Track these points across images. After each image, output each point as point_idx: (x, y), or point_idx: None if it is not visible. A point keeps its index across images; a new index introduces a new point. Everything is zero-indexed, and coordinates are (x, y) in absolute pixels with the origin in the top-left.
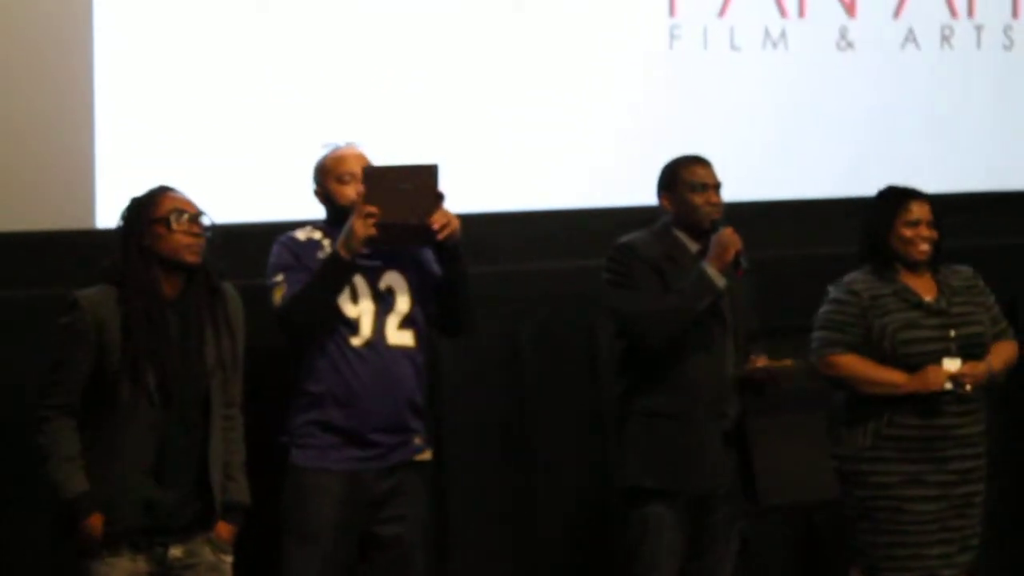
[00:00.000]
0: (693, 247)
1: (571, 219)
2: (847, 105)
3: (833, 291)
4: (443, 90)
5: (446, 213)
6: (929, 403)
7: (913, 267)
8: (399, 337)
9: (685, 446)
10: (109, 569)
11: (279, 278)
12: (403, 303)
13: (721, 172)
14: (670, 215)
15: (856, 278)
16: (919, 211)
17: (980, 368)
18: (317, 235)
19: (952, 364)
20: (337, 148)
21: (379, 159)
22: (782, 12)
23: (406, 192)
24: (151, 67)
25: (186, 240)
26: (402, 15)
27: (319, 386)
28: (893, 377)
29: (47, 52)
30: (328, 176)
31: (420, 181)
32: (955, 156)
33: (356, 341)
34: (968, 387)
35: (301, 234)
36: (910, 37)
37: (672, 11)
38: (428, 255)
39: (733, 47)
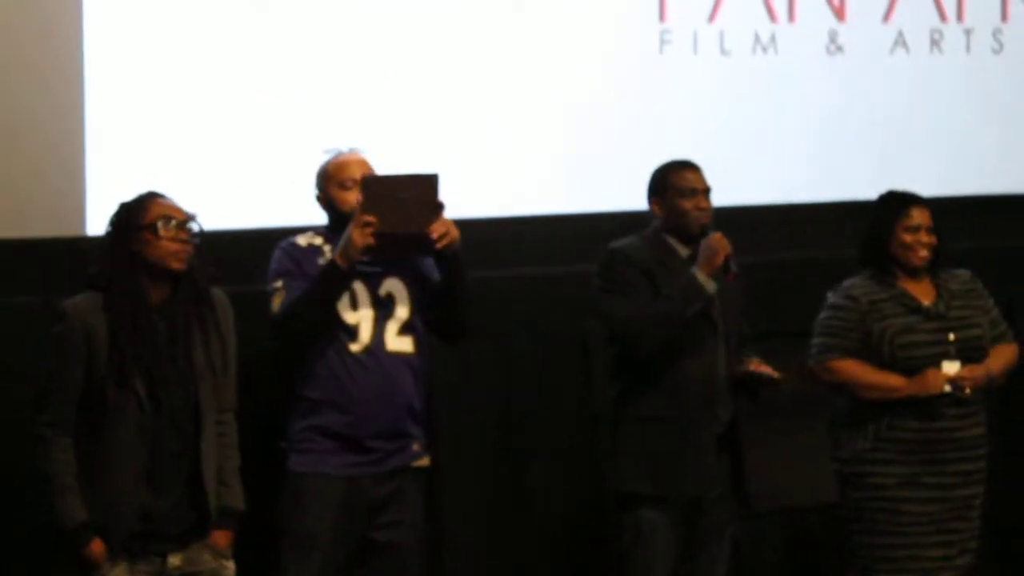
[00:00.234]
0: (683, 252)
1: (562, 224)
2: (837, 109)
3: (832, 297)
4: (434, 94)
5: (445, 222)
6: (928, 406)
7: (912, 272)
8: (398, 343)
9: (678, 450)
10: None
11: (278, 284)
12: (403, 310)
13: (711, 177)
14: (660, 220)
15: (855, 283)
16: (919, 216)
17: (979, 371)
18: (318, 241)
19: (951, 367)
20: (340, 154)
21: (379, 163)
22: (772, 16)
23: (405, 201)
24: (142, 73)
25: (173, 247)
26: (398, 18)
27: (318, 392)
28: (892, 381)
29: (37, 58)
30: (330, 182)
31: (420, 190)
32: (946, 160)
33: (355, 347)
34: (967, 390)
35: (302, 240)
36: (900, 41)
37: (662, 16)
38: (428, 262)
39: (723, 52)
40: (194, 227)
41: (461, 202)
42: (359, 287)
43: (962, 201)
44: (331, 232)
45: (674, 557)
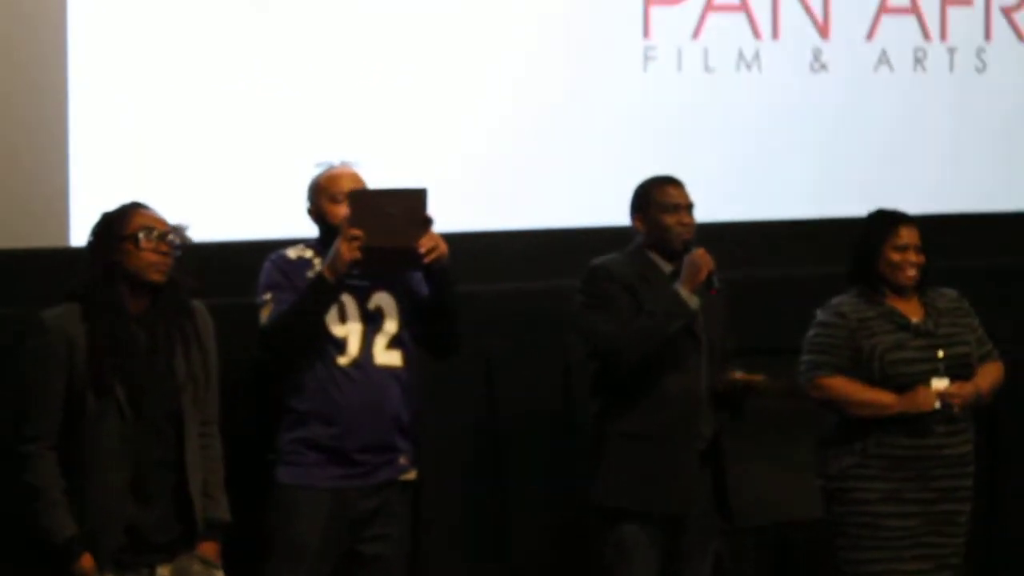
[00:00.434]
0: (667, 268)
1: (545, 239)
2: (821, 126)
3: (820, 314)
4: (422, 109)
5: (433, 237)
6: (918, 423)
7: (900, 291)
8: (387, 357)
9: (659, 467)
10: None
11: (267, 296)
12: (391, 323)
13: (695, 193)
14: (643, 236)
15: (843, 301)
16: (908, 236)
17: (968, 388)
18: (308, 254)
19: (940, 383)
20: (331, 167)
21: (369, 177)
22: (756, 34)
23: (393, 216)
24: (127, 83)
25: (153, 258)
26: (386, 33)
27: (305, 404)
28: (882, 398)
29: (20, 68)
30: (321, 195)
31: (408, 205)
32: (928, 178)
33: (343, 360)
34: (957, 407)
35: (292, 252)
36: (883, 59)
37: (646, 33)
38: (417, 276)
39: (707, 69)
40: (175, 239)
41: (446, 216)
42: (348, 300)
43: (945, 219)
44: (321, 245)
45: (656, 572)
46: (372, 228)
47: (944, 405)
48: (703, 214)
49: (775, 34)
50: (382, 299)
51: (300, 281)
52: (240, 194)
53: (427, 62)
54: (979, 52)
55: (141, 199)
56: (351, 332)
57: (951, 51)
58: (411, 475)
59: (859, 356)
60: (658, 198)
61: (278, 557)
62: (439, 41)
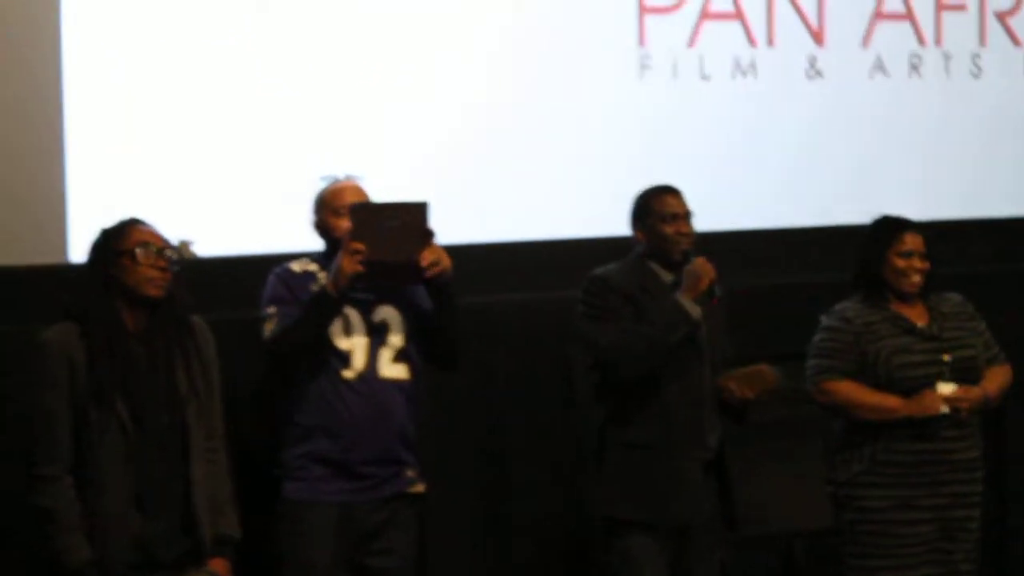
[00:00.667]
0: (667, 278)
1: (544, 250)
2: (817, 133)
3: (825, 319)
4: (421, 122)
5: (435, 250)
6: (924, 427)
7: (905, 296)
8: (392, 370)
9: (663, 477)
10: None
11: (271, 310)
12: (397, 337)
13: (692, 201)
14: (643, 246)
15: (848, 306)
16: (912, 242)
17: (975, 392)
18: (313, 267)
19: (946, 388)
20: (335, 180)
21: (374, 190)
22: (751, 41)
23: (394, 229)
24: (125, 99)
25: (150, 273)
26: (389, 49)
27: (311, 418)
28: (888, 402)
29: (16, 83)
30: (325, 208)
31: (409, 218)
32: (925, 184)
33: (348, 374)
34: (964, 411)
35: (296, 266)
36: (879, 65)
37: (641, 41)
38: (421, 289)
39: (703, 76)
40: (172, 254)
41: (444, 228)
42: (353, 313)
43: (942, 225)
44: (326, 259)
45: None
46: (373, 242)
47: (951, 409)
48: (701, 222)
49: (770, 41)
50: (387, 312)
51: (304, 294)
52: (244, 208)
53: (425, 74)
54: (974, 57)
55: (142, 215)
56: (356, 345)
57: (946, 56)
58: (418, 488)
59: (864, 360)
60: (657, 208)
61: (291, 574)
62: (435, 53)
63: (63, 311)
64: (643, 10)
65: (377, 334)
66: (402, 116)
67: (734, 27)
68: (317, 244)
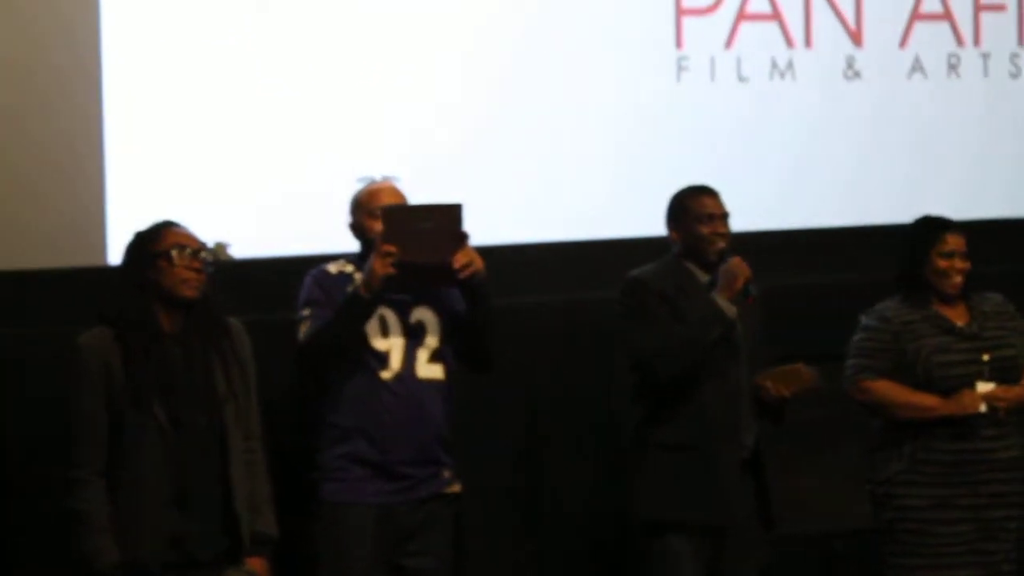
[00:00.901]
0: (703, 278)
1: (580, 251)
2: (855, 134)
3: (865, 319)
4: (456, 124)
5: (469, 252)
6: (963, 427)
7: (946, 297)
8: (429, 371)
9: (701, 477)
10: None
11: (306, 313)
12: (433, 338)
13: (730, 202)
14: (679, 246)
15: (888, 306)
16: (954, 243)
17: (1015, 391)
18: (349, 269)
19: (985, 387)
20: (372, 182)
21: (410, 192)
22: (789, 42)
23: (427, 231)
24: (164, 103)
25: (185, 275)
26: (425, 51)
27: (348, 419)
28: (927, 401)
29: (56, 89)
30: (361, 210)
31: (443, 220)
32: (964, 183)
33: (386, 375)
34: (1003, 411)
35: (333, 268)
36: (917, 66)
37: (679, 43)
38: (456, 291)
39: (740, 78)
40: (207, 256)
41: (482, 229)
42: (390, 315)
43: (981, 225)
44: (362, 260)
45: None
46: (406, 244)
47: (990, 408)
48: (738, 223)
49: (808, 42)
50: (424, 313)
51: (340, 296)
52: (282, 210)
53: (463, 76)
54: (1013, 57)
55: (180, 218)
56: (393, 346)
57: (984, 56)
58: (455, 488)
59: (903, 360)
60: (693, 208)
61: (326, 575)
62: (474, 55)
63: (98, 314)
64: (680, 12)
65: (414, 335)
66: (440, 117)
67: (772, 28)
68: (350, 245)
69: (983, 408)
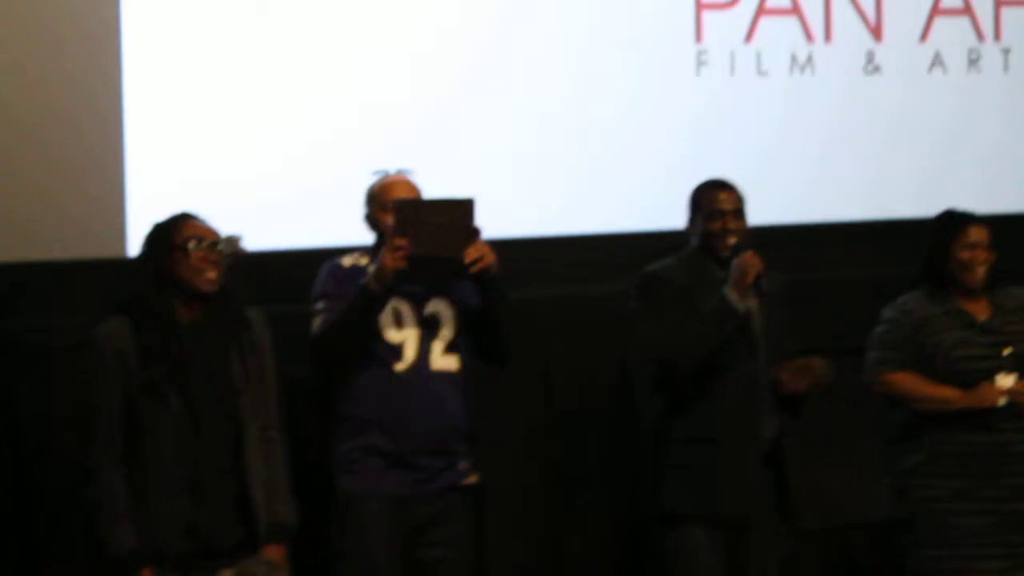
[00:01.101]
0: (719, 272)
1: (600, 245)
2: (875, 129)
3: (887, 312)
4: (472, 118)
5: (480, 247)
6: (984, 419)
7: (968, 291)
8: (444, 362)
9: (718, 470)
10: None
11: (319, 306)
12: (448, 329)
13: (749, 197)
14: (697, 240)
15: (909, 299)
16: (976, 234)
17: None
18: (363, 261)
19: (1006, 380)
20: (387, 175)
21: (426, 185)
22: (809, 37)
23: (439, 226)
24: (184, 93)
25: (202, 267)
26: (441, 44)
27: (363, 411)
28: (946, 393)
29: (76, 79)
30: (375, 203)
31: (454, 215)
32: (984, 178)
33: (400, 366)
34: (1023, 404)
35: (347, 260)
36: (937, 61)
37: (699, 37)
38: (470, 285)
39: (760, 72)
40: (224, 248)
41: (500, 222)
42: (404, 307)
43: (1006, 219)
44: (377, 253)
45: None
46: (418, 238)
47: (1011, 402)
48: (757, 217)
49: (828, 37)
50: (439, 305)
51: (352, 289)
52: (299, 202)
53: (483, 67)
54: None
55: (198, 210)
56: (408, 338)
57: (1005, 51)
58: (473, 479)
59: (923, 353)
60: (705, 203)
61: (349, 567)
62: (493, 47)
63: (115, 306)
64: (700, 6)
65: (428, 327)
66: (459, 111)
67: (792, 22)
68: (366, 237)
69: (1003, 402)
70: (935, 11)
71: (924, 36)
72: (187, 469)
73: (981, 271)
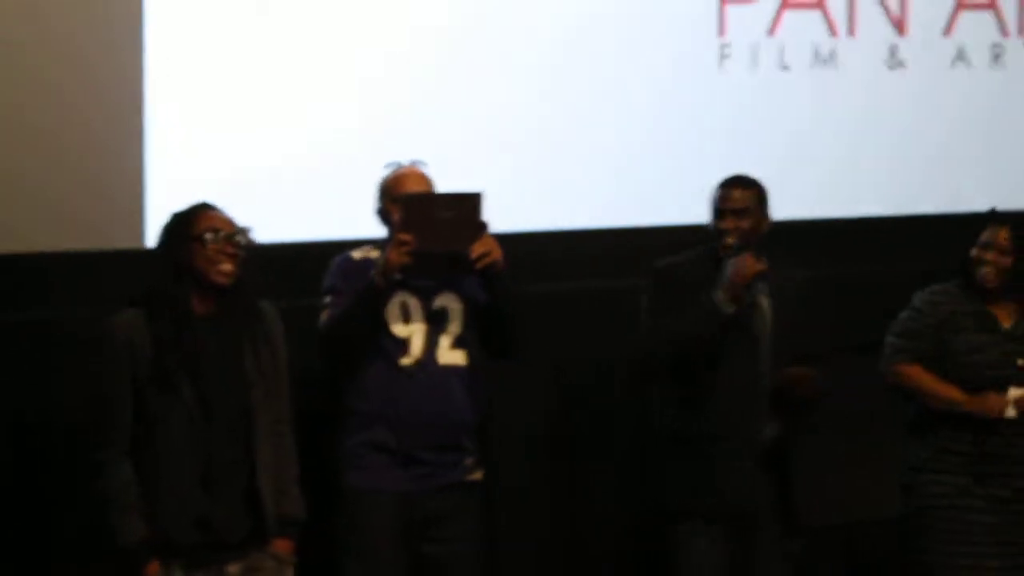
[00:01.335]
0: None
1: (619, 238)
2: (898, 123)
3: (916, 298)
4: (491, 110)
5: (487, 242)
6: (992, 422)
7: (993, 293)
8: (451, 357)
9: (713, 468)
10: None
11: (327, 300)
12: (456, 324)
13: (770, 191)
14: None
15: (940, 290)
16: (989, 234)
17: None
18: (374, 254)
19: (1017, 392)
20: (399, 167)
21: (438, 178)
22: (832, 31)
23: (446, 220)
24: (202, 85)
25: (218, 259)
26: (459, 36)
27: (369, 406)
28: (953, 394)
29: (97, 69)
30: (386, 196)
31: (461, 209)
32: (1007, 174)
33: (406, 361)
34: None
35: (357, 253)
36: (961, 55)
37: (722, 30)
38: (477, 280)
39: (783, 66)
40: (242, 240)
41: (516, 216)
42: (412, 301)
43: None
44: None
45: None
46: (424, 233)
47: (1020, 414)
48: (779, 211)
49: (851, 31)
50: (447, 299)
51: (362, 283)
52: (316, 194)
53: (502, 60)
54: None
55: (217, 200)
56: (415, 332)
57: None
58: (477, 476)
59: (941, 349)
60: (715, 200)
61: (355, 564)
62: (517, 42)
63: (129, 299)
64: (724, 0)
65: (436, 321)
66: (479, 103)
67: (815, 16)
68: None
69: (1011, 413)
70: (959, 5)
71: (948, 30)
72: (198, 460)
73: (988, 271)
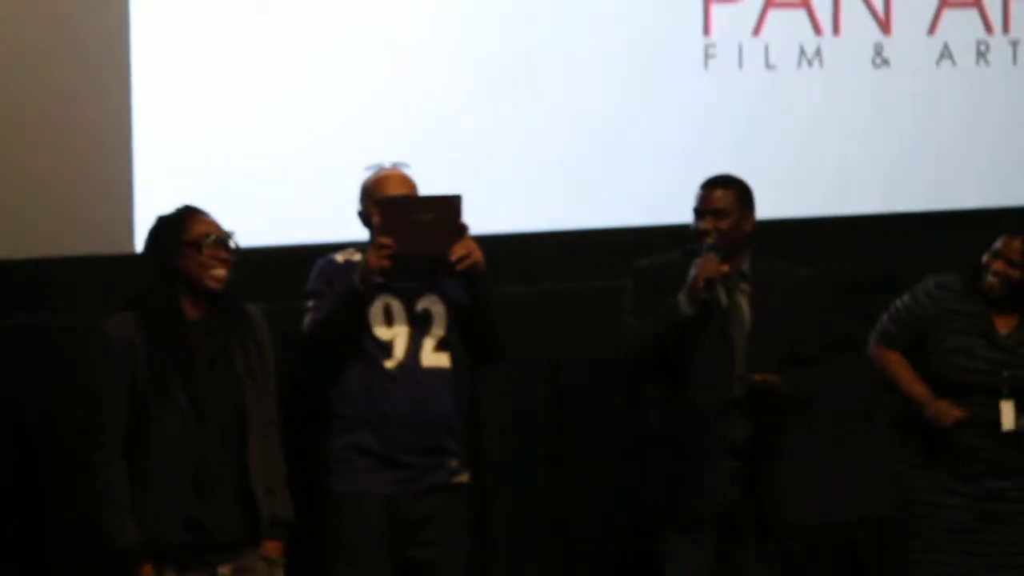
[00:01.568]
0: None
1: (607, 239)
2: (883, 122)
3: (921, 286)
4: (478, 110)
5: (467, 244)
6: (975, 421)
7: (998, 302)
8: (434, 359)
9: (692, 468)
10: None
11: (310, 303)
12: (440, 326)
13: (756, 190)
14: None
15: (947, 283)
16: (1002, 243)
17: None
18: (357, 257)
19: (1007, 406)
20: (381, 169)
21: (421, 180)
22: (817, 30)
23: (426, 223)
24: (188, 89)
25: (212, 264)
26: (435, 40)
27: (352, 409)
28: (917, 391)
29: (85, 75)
30: (368, 198)
31: (441, 212)
32: (992, 172)
33: (389, 364)
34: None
35: (340, 256)
36: (946, 53)
37: (707, 30)
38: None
39: (768, 65)
40: (232, 243)
41: (505, 217)
42: (395, 304)
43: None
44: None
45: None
46: (404, 236)
47: (1020, 427)
48: (763, 210)
49: (836, 30)
50: (431, 302)
51: (344, 286)
52: (301, 198)
53: (488, 63)
54: None
55: (204, 204)
56: (398, 335)
57: (1014, 44)
58: (463, 477)
59: (923, 343)
60: (696, 200)
61: (340, 566)
62: (497, 43)
63: (123, 302)
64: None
65: (419, 324)
66: (465, 105)
67: (800, 16)
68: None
69: (1008, 427)
70: (943, 3)
71: (932, 29)
72: (192, 462)
73: (993, 281)
